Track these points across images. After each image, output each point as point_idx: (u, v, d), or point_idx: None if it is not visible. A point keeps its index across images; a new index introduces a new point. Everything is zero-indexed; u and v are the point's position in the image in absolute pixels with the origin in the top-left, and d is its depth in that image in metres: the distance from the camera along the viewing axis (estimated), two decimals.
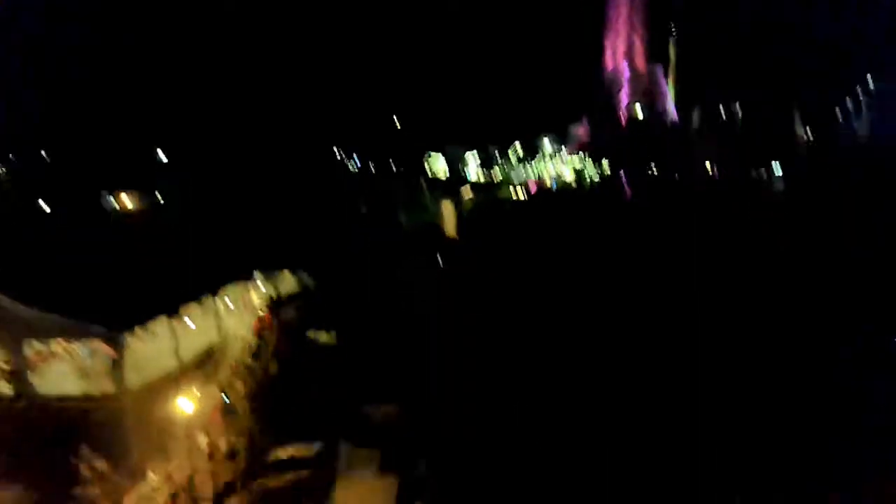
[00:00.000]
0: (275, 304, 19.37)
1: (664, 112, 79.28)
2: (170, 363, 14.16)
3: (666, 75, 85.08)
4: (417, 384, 17.89)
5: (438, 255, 37.53)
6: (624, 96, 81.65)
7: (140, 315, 14.56)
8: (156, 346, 14.09)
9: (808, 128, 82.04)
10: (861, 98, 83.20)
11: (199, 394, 14.43)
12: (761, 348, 19.81)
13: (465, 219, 45.88)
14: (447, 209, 43.85)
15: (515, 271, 34.93)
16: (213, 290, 17.64)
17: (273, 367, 16.70)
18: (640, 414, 15.42)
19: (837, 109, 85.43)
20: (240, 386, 14.77)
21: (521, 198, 65.31)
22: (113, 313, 14.28)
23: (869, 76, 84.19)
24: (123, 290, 15.80)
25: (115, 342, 13.01)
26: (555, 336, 24.34)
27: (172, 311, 15.22)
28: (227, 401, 14.23)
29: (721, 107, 78.71)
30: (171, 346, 14.40)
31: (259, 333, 17.48)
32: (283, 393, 15.36)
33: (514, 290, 30.65)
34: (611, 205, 59.97)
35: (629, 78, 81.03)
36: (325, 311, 22.88)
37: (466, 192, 59.25)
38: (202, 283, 18.07)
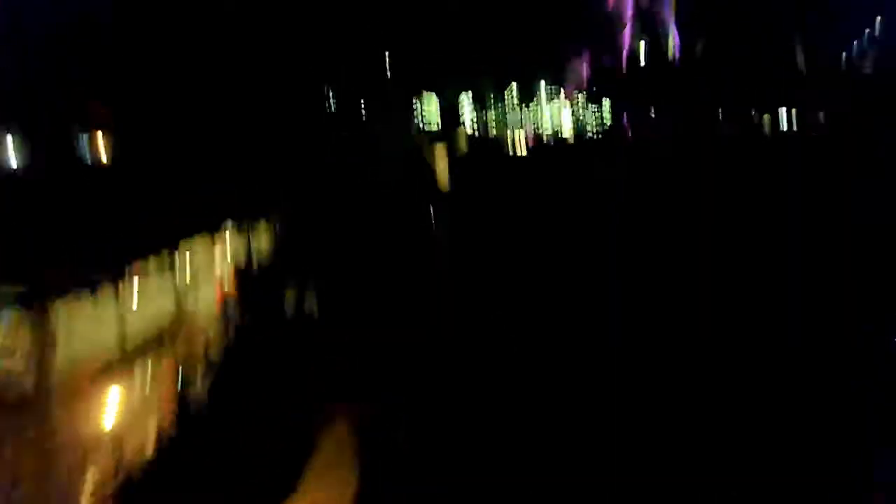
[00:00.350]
0: (245, 261, 16.50)
1: (670, 49, 75.26)
2: (109, 336, 11.70)
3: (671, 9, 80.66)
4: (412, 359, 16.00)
5: (430, 203, 35.29)
6: (627, 32, 77.33)
7: (77, 275, 12.03)
8: (92, 314, 11.62)
9: (811, 65, 78.18)
10: (868, 34, 79.23)
11: (147, 374, 12.11)
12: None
13: (458, 163, 43.28)
14: (439, 152, 41.04)
15: (512, 220, 33.69)
16: (173, 245, 15.03)
17: (241, 338, 14.42)
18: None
19: (845, 47, 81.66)
20: (199, 363, 12.48)
21: (518, 142, 62.36)
22: (39, 273, 11.73)
23: (879, 17, 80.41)
24: (53, 243, 13.12)
25: (34, 311, 10.48)
26: (553, 288, 22.79)
27: (118, 271, 12.69)
28: (182, 383, 12.00)
29: (723, 44, 74.64)
30: (112, 314, 11.91)
31: (223, 296, 14.95)
32: (251, 370, 13.17)
33: (511, 241, 29.37)
34: (612, 149, 57.52)
35: (633, 12, 76.63)
36: (308, 268, 20.48)
37: (461, 135, 56.13)
38: (160, 236, 15.50)
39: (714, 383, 15.07)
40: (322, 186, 30.05)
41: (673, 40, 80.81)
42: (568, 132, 70.71)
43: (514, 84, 79.42)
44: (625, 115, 72.36)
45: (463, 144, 56.02)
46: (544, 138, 69.83)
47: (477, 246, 26.75)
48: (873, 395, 14.00)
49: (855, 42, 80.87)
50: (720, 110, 71.34)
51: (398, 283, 20.44)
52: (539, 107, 76.65)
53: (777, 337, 17.70)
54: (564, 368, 16.39)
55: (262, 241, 19.56)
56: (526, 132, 71.74)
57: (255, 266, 17.69)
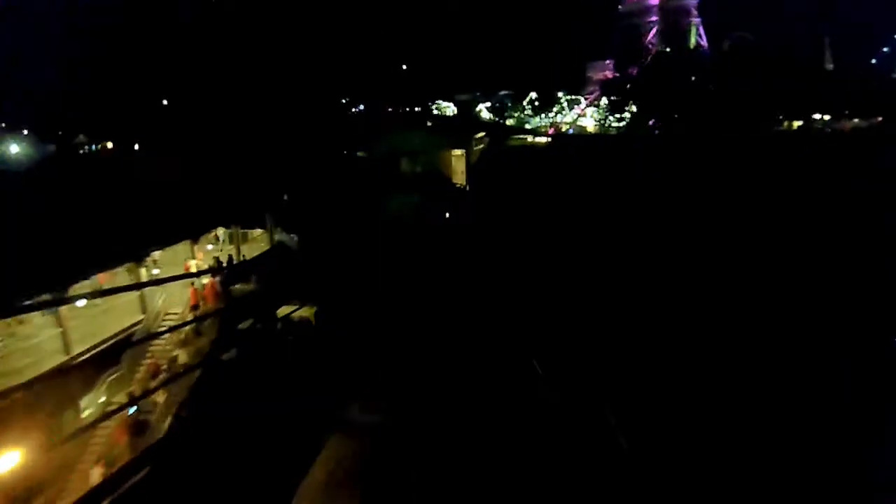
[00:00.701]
0: (228, 270, 14.38)
1: (696, 48, 72.15)
2: (53, 360, 9.81)
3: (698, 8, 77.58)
4: (418, 372, 14.14)
5: (446, 207, 33.60)
6: (652, 32, 74.45)
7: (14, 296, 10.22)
8: (30, 335, 9.79)
9: (837, 63, 75.97)
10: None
11: (102, 401, 10.25)
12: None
13: (475, 167, 41.69)
14: (456, 156, 39.56)
15: (529, 223, 33.91)
16: (145, 252, 13.19)
17: (219, 357, 12.40)
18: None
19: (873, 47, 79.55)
20: (161, 392, 10.54)
21: (537, 144, 60.53)
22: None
23: None
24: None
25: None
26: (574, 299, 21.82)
27: (65, 284, 10.86)
28: (136, 414, 10.08)
29: (749, 41, 73.45)
30: (55, 334, 10.04)
31: (197, 311, 12.89)
32: (227, 398, 11.16)
33: (528, 245, 28.75)
34: (634, 149, 55.92)
35: (657, 11, 73.67)
36: (306, 279, 18.48)
37: (478, 140, 54.51)
38: (136, 242, 13.69)
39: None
40: (333, 192, 28.70)
41: (702, 38, 77.66)
42: (590, 131, 69.07)
43: (532, 94, 78.26)
44: (650, 118, 70.38)
45: (478, 148, 54.17)
46: (563, 137, 68.33)
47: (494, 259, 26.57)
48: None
49: (883, 48, 78.34)
50: (745, 115, 69.35)
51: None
52: (558, 115, 75.37)
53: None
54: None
55: (259, 248, 17.67)
56: (546, 134, 69.99)
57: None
